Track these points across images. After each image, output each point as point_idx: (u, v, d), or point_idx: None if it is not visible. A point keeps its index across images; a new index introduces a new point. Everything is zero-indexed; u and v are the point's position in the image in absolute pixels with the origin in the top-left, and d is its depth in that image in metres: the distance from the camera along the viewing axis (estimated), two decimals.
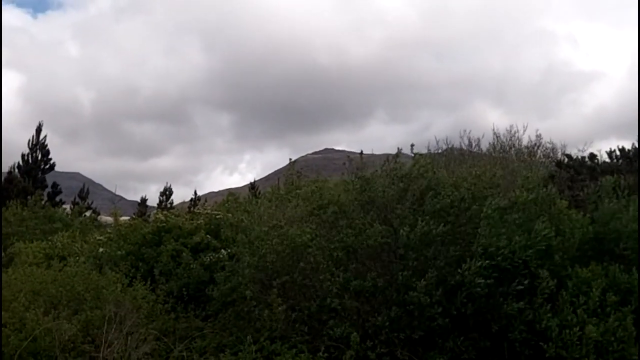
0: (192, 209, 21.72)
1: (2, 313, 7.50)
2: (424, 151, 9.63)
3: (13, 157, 28.65)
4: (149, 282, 9.45)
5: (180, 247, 10.97)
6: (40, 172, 28.07)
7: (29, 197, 21.39)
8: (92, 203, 30.09)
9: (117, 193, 28.98)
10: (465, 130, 16.49)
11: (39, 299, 7.95)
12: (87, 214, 23.90)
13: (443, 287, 7.30)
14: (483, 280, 7.06)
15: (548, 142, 16.64)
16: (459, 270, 7.22)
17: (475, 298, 7.18)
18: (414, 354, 7.29)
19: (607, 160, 12.18)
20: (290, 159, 13.58)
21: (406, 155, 9.30)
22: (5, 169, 27.53)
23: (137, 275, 9.46)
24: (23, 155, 28.10)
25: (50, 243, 12.92)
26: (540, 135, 16.26)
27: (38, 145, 28.47)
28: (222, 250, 10.53)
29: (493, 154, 13.93)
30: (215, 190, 66.24)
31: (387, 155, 8.91)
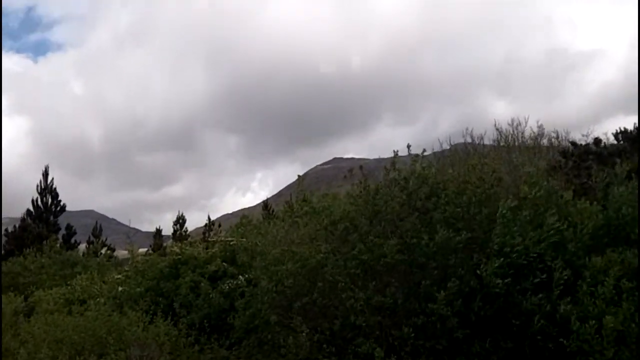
0: (206, 234, 21.80)
1: None
2: (429, 153, 9.55)
3: (27, 200, 28.92)
4: (170, 317, 9.49)
5: (198, 278, 11.02)
6: (52, 216, 28.25)
7: (44, 242, 21.54)
8: (106, 240, 30.30)
9: (132, 226, 29.11)
10: (467, 128, 16.46)
11: (62, 348, 7.99)
12: (103, 251, 24.02)
13: (461, 295, 7.29)
14: (501, 280, 7.04)
15: (552, 131, 16.57)
16: (478, 272, 7.21)
17: (493, 299, 7.16)
18: None
19: (614, 142, 12.10)
20: (298, 175, 13.50)
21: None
22: (18, 214, 27.75)
23: (158, 311, 9.51)
24: (33, 201, 28.29)
25: (69, 287, 12.99)
26: (542, 125, 16.19)
27: (47, 189, 28.66)
28: (240, 277, 10.56)
29: (497, 150, 13.87)
30: (230, 212, 66.56)
31: (399, 158, 8.86)
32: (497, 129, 16.01)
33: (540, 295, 7.04)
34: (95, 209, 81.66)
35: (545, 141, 15.84)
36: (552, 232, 7.37)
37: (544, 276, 7.16)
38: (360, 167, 9.15)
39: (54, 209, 28.63)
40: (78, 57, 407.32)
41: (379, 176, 9.04)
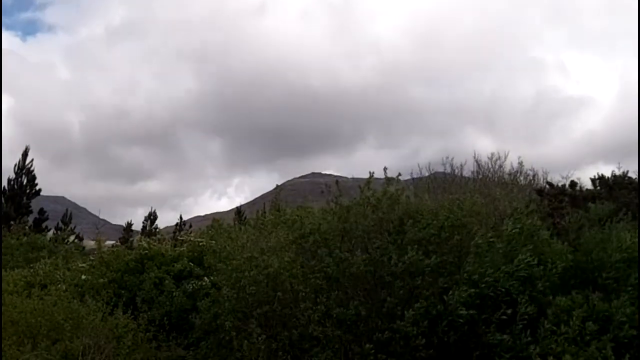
0: (177, 234, 21.67)
1: None
2: (407, 177, 9.59)
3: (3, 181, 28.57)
4: (130, 310, 9.40)
5: (163, 275, 10.94)
6: (25, 198, 27.91)
7: (11, 222, 21.27)
8: (75, 228, 29.98)
9: (101, 217, 28.80)
10: (447, 157, 16.58)
11: (17, 329, 7.86)
12: (71, 239, 23.77)
13: (427, 317, 7.29)
14: (466, 312, 7.05)
15: (530, 170, 16.73)
16: (445, 298, 7.22)
17: (457, 327, 7.18)
18: None
19: (590, 187, 12.26)
20: (277, 185, 13.55)
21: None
22: None
23: (119, 303, 9.42)
24: (9, 180, 27.97)
25: (32, 271, 12.81)
26: (522, 162, 16.36)
27: (24, 170, 28.33)
28: (205, 278, 10.50)
29: (476, 181, 13.99)
30: (202, 214, 66.27)
31: (377, 180, 8.87)
32: (476, 161, 16.18)
33: (502, 334, 7.06)
34: (67, 196, 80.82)
35: (522, 178, 16.05)
36: (522, 266, 7.41)
37: (509, 311, 7.19)
38: (337, 182, 9.12)
39: (28, 191, 28.29)
40: (68, 41, 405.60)
41: (355, 195, 9.03)
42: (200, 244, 12.14)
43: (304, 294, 7.90)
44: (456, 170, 16.33)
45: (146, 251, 11.68)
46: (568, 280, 7.80)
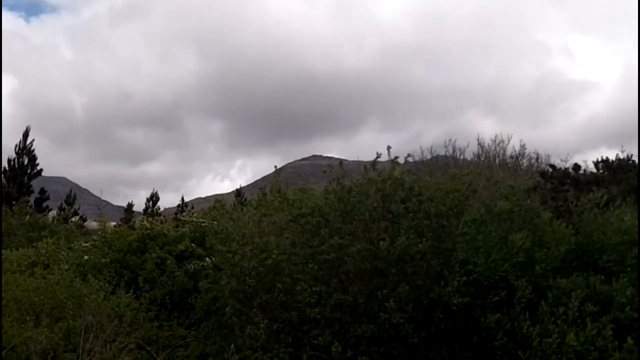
0: (179, 215, 21.71)
1: None
2: (409, 160, 9.49)
3: (4, 162, 28.57)
4: (132, 290, 9.44)
5: (165, 255, 10.96)
6: (26, 178, 27.94)
7: (13, 202, 21.32)
8: (78, 209, 30.04)
9: (103, 198, 28.90)
10: (450, 139, 16.57)
11: (20, 307, 7.91)
12: (74, 219, 23.83)
13: (420, 304, 7.29)
14: (460, 299, 7.04)
15: (532, 152, 16.72)
16: (436, 288, 7.19)
17: (453, 314, 7.18)
18: None
19: (594, 170, 12.23)
20: (275, 167, 13.51)
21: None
22: None
23: (121, 283, 9.46)
24: (9, 160, 27.98)
25: (34, 250, 12.86)
26: (524, 145, 16.34)
27: (25, 150, 28.32)
28: (207, 259, 10.52)
29: (478, 163, 13.97)
30: (203, 196, 66.32)
31: (377, 163, 8.79)
32: (479, 143, 16.17)
33: (498, 315, 7.07)
34: (69, 177, 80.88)
35: (525, 161, 16.04)
36: (517, 251, 7.39)
37: (504, 293, 7.19)
38: (340, 163, 9.10)
39: (29, 171, 28.32)
40: (71, 23, 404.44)
41: (357, 177, 8.99)
42: (202, 224, 12.16)
43: (303, 282, 7.89)
44: (458, 153, 16.35)
45: (148, 231, 11.70)
46: (569, 262, 7.79)
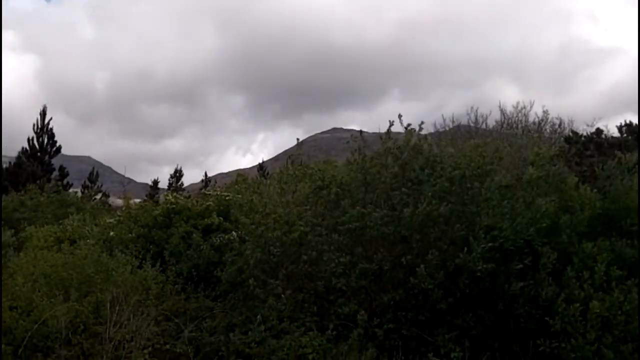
0: (203, 189, 21.82)
1: (13, 297, 7.58)
2: (432, 130, 9.46)
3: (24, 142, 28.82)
4: (158, 264, 9.52)
5: (191, 229, 11.03)
6: (47, 156, 28.18)
7: (38, 181, 21.56)
8: (101, 186, 30.29)
9: (126, 175, 29.08)
10: (472, 107, 16.45)
11: (50, 282, 8.02)
12: (98, 197, 24.05)
13: (445, 270, 7.30)
14: (485, 265, 7.01)
15: (555, 118, 16.56)
16: (460, 255, 7.16)
17: (478, 280, 7.17)
18: (422, 331, 7.31)
19: (617, 135, 12.12)
20: (297, 139, 13.48)
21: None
22: (15, 153, 27.72)
23: (147, 257, 9.53)
24: (29, 140, 28.20)
25: (61, 227, 13.01)
26: (547, 111, 16.17)
27: (44, 129, 28.51)
28: (233, 232, 10.56)
29: (500, 131, 13.86)
30: (225, 171, 66.54)
31: (398, 134, 8.70)
32: (501, 110, 16.04)
33: (523, 284, 7.04)
34: (92, 156, 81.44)
35: (548, 128, 15.89)
36: (541, 216, 7.33)
37: (528, 260, 7.15)
38: (360, 133, 9.05)
39: (49, 150, 28.55)
40: (90, 1, 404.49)
41: (376, 148, 8.94)
42: (227, 198, 12.21)
43: (329, 252, 7.92)
44: (480, 120, 16.23)
45: (173, 206, 11.76)
46: (595, 227, 7.73)
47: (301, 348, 7.06)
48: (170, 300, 8.60)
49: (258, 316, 7.52)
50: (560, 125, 15.84)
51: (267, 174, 29.23)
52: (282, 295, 7.82)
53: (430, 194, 7.67)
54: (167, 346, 7.08)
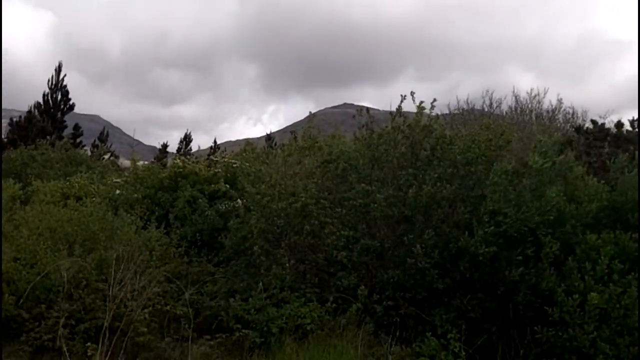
0: (211, 156, 21.89)
1: (17, 249, 7.63)
2: (445, 111, 9.41)
3: (39, 96, 28.80)
4: (163, 226, 9.56)
5: (197, 194, 11.06)
6: (59, 113, 28.17)
7: (47, 137, 21.60)
8: (111, 146, 30.33)
9: (135, 137, 29.07)
10: (487, 91, 16.38)
11: (54, 237, 8.06)
12: (106, 156, 24.11)
13: (447, 251, 7.31)
14: (487, 249, 7.02)
15: (569, 107, 16.48)
16: (462, 238, 7.18)
17: (479, 264, 7.19)
18: (421, 310, 7.35)
19: (629, 129, 12.06)
20: (310, 112, 13.49)
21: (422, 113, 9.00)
22: (26, 108, 27.72)
23: (152, 219, 9.57)
24: (44, 95, 28.18)
25: (68, 183, 13.05)
26: (561, 99, 16.10)
27: (58, 86, 28.49)
28: (239, 200, 10.59)
29: (513, 116, 13.81)
30: (234, 139, 66.59)
31: (411, 114, 8.63)
32: (515, 96, 15.97)
33: (522, 269, 7.03)
34: (101, 115, 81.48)
35: (560, 116, 15.81)
36: (549, 208, 7.31)
37: (531, 250, 7.14)
38: (367, 110, 8.98)
39: (62, 107, 28.56)
40: None
41: (386, 125, 8.90)
42: (234, 165, 12.22)
43: (331, 225, 7.95)
44: (495, 104, 16.18)
45: (180, 169, 11.78)
46: (600, 219, 7.71)
47: (300, 318, 7.11)
48: (173, 262, 8.65)
49: (260, 284, 7.58)
50: (573, 115, 15.78)
51: (275, 144, 29.22)
52: (287, 265, 7.88)
53: (436, 175, 7.68)
54: (168, 307, 7.13)
